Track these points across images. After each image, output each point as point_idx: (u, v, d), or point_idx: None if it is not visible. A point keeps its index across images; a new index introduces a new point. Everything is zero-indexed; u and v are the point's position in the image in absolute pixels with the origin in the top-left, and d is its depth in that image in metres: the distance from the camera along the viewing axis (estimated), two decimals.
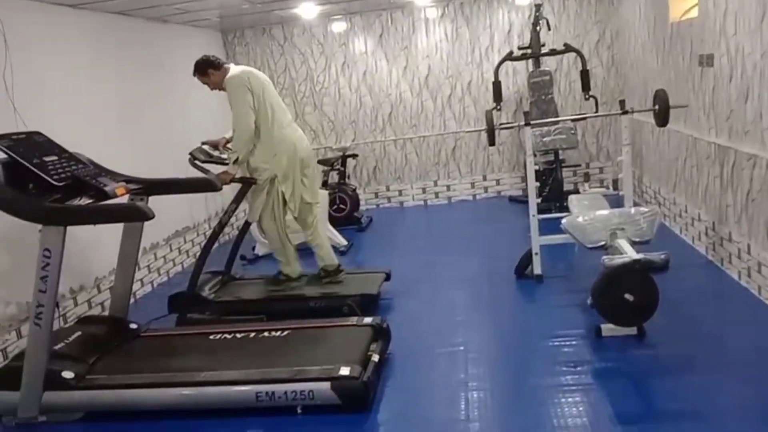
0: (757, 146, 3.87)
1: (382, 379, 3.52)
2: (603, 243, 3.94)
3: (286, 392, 3.21)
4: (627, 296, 3.51)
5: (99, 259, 4.96)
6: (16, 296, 4.11)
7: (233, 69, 4.57)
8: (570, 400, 3.14)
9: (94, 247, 4.83)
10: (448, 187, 8.06)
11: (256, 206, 4.76)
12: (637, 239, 3.91)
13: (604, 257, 3.65)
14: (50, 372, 3.37)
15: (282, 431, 3.18)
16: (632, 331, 3.66)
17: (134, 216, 3.50)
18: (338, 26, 7.76)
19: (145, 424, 3.34)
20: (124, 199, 3.77)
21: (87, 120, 5.04)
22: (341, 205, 7.12)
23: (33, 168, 3.26)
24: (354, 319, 3.97)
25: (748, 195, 4.06)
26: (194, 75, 4.66)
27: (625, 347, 3.59)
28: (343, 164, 7.42)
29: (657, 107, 4.48)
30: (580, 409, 3.05)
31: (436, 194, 8.10)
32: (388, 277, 4.92)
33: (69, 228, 3.29)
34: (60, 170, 3.38)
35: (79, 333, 3.85)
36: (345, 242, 6.27)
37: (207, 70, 4.58)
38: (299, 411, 3.24)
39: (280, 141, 4.59)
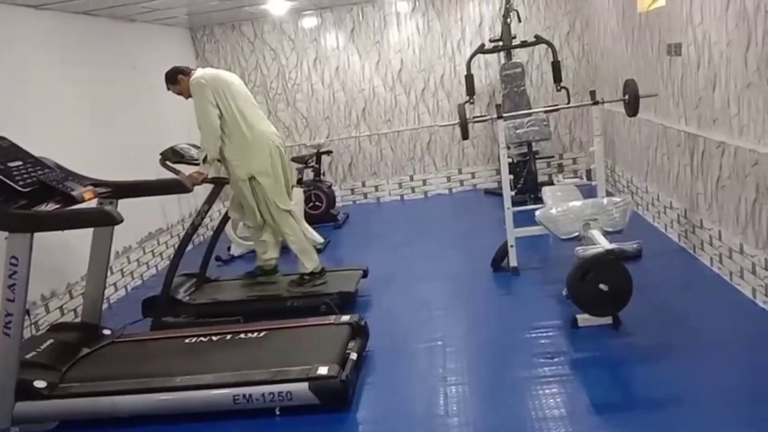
0: (726, 134, 3.92)
1: (360, 377, 3.51)
2: (576, 234, 3.97)
3: (263, 394, 3.19)
4: (601, 286, 3.54)
5: (70, 265, 4.87)
6: None
7: (197, 72, 4.54)
8: (548, 391, 3.15)
9: (65, 252, 4.74)
10: (424, 182, 8.06)
11: (246, 210, 4.74)
12: (610, 229, 3.94)
13: (578, 248, 3.67)
14: (22, 382, 3.29)
15: None
16: (608, 320, 3.69)
17: (102, 220, 3.43)
18: (309, 22, 7.71)
19: (120, 431, 3.29)
20: (93, 203, 3.70)
21: (56, 122, 4.94)
22: (317, 203, 7.09)
23: None
24: (331, 318, 3.96)
25: (718, 182, 4.11)
26: (168, 88, 4.65)
27: (601, 337, 3.62)
28: (318, 161, 7.38)
29: (627, 97, 4.51)
30: (558, 400, 3.07)
31: (413, 189, 8.09)
32: (365, 274, 4.91)
33: (38, 234, 3.22)
34: (25, 175, 3.29)
35: (51, 341, 3.77)
36: (321, 240, 6.23)
37: (176, 76, 4.58)
38: (278, 412, 3.22)
39: (255, 138, 4.54)
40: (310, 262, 4.77)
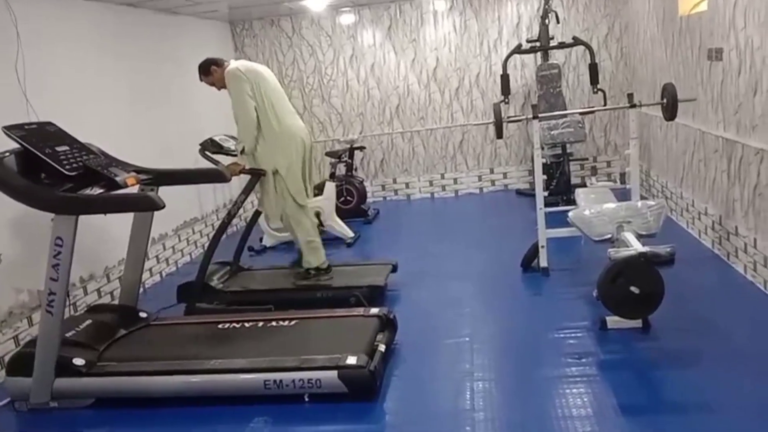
0: (765, 141, 3.87)
1: (388, 369, 3.56)
2: (609, 236, 3.96)
3: (293, 380, 3.25)
4: (632, 289, 3.52)
5: (109, 249, 5.01)
6: (28, 284, 4.17)
7: (231, 63, 4.63)
8: (575, 391, 3.16)
9: (104, 236, 4.88)
10: (455, 180, 8.08)
11: (266, 203, 4.80)
12: (644, 232, 3.92)
13: (610, 250, 3.66)
14: (61, 359, 3.43)
15: (289, 419, 3.21)
16: (637, 323, 3.67)
17: (145, 206, 3.54)
18: (346, 18, 7.78)
19: (153, 411, 3.38)
20: (134, 189, 3.82)
21: (98, 110, 5.09)
22: (348, 198, 7.16)
23: (45, 158, 3.30)
24: (361, 310, 4.01)
25: (755, 189, 4.06)
26: (201, 79, 4.73)
27: (630, 340, 3.61)
28: (351, 156, 7.45)
29: (665, 101, 4.48)
30: (585, 399, 3.07)
31: (443, 187, 8.11)
32: (394, 269, 4.96)
33: (80, 217, 3.33)
34: (72, 160, 3.41)
35: (89, 321, 3.89)
36: (352, 234, 6.30)
37: (210, 67, 4.66)
38: (306, 399, 3.28)
39: (281, 133, 4.60)
40: (315, 258, 4.82)
